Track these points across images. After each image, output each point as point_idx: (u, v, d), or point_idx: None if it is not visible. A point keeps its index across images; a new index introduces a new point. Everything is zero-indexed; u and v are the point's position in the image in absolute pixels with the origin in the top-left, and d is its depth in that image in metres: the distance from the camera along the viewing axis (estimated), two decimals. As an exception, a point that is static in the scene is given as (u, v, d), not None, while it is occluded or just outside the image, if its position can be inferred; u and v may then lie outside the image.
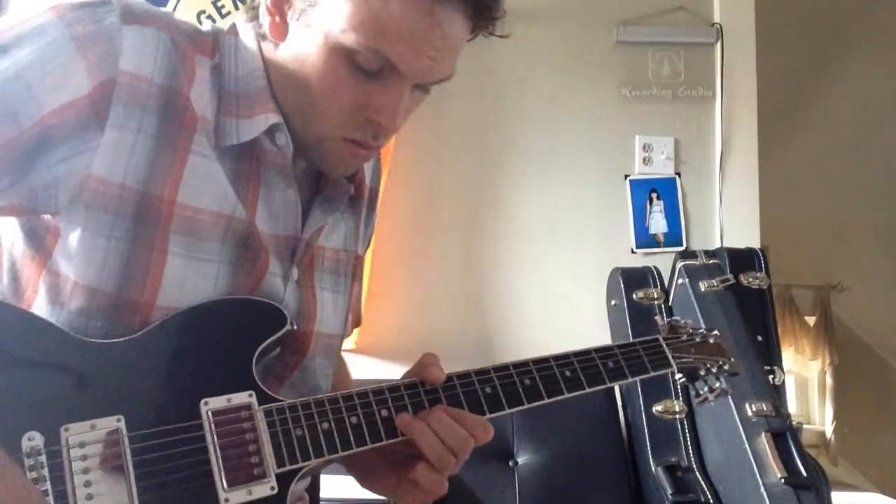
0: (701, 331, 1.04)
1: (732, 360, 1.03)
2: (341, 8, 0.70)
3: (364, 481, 0.89)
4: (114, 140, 0.69)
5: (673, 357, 0.97)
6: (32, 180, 0.68)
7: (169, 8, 2.27)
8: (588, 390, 0.88)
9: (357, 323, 1.05)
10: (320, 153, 0.80)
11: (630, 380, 0.91)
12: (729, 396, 1.11)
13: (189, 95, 0.74)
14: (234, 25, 0.82)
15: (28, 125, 0.66)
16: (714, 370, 1.01)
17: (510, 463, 1.93)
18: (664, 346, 0.97)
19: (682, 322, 1.05)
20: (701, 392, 1.00)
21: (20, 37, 0.68)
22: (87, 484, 0.63)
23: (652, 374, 0.94)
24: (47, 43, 0.68)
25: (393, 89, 0.74)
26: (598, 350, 0.91)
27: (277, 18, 0.75)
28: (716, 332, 1.05)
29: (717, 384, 1.01)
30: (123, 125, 0.70)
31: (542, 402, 0.85)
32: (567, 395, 0.86)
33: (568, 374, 0.87)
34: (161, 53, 0.72)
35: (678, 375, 1.00)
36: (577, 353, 0.89)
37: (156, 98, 0.72)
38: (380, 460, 0.84)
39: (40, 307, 0.71)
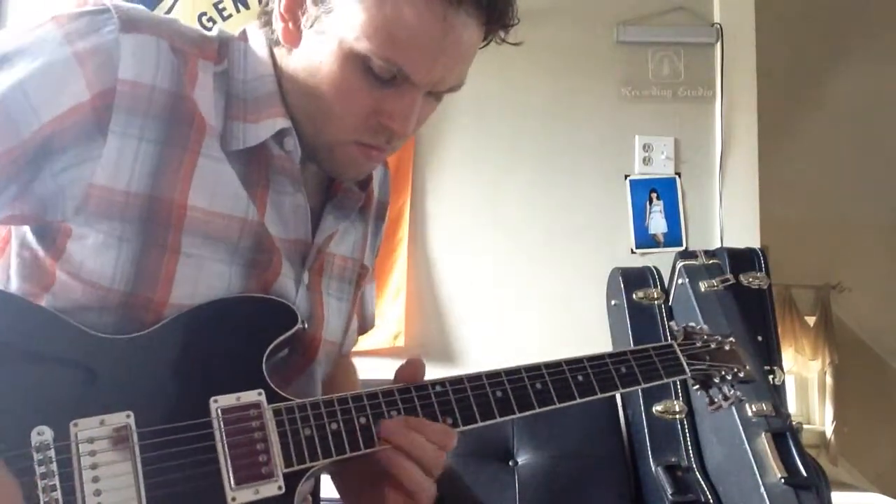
0: (716, 337, 1.02)
1: (747, 367, 1.01)
2: (356, 15, 0.70)
3: (341, 490, 0.87)
4: (116, 148, 0.70)
5: (687, 364, 0.95)
6: (38, 189, 0.69)
7: (164, 8, 2.28)
8: (600, 395, 0.86)
9: (364, 329, 1.05)
10: (333, 157, 0.80)
11: (643, 386, 0.90)
12: (741, 403, 1.09)
13: (194, 100, 0.74)
14: (244, 31, 0.82)
15: (28, 134, 0.67)
16: (729, 377, 0.99)
17: (510, 463, 1.94)
18: (678, 352, 0.96)
19: (698, 328, 1.04)
20: (715, 400, 0.98)
21: (21, 48, 0.69)
22: (96, 479, 0.63)
23: (665, 380, 0.92)
24: (47, 53, 0.69)
25: (406, 97, 0.74)
26: (611, 355, 0.89)
27: (291, 25, 0.75)
28: (731, 338, 1.03)
29: (732, 392, 0.99)
30: (125, 133, 0.70)
31: (553, 407, 0.83)
32: (579, 400, 0.85)
33: (580, 378, 0.86)
34: (162, 60, 0.73)
35: (691, 382, 0.98)
36: (589, 358, 0.88)
37: (159, 104, 0.72)
38: (357, 477, 0.82)
39: (51, 302, 0.71)
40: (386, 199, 1.01)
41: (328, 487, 1.07)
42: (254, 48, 0.80)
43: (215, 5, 2.22)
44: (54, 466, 0.62)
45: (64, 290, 0.71)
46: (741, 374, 1.00)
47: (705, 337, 1.02)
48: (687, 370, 0.95)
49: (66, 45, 0.69)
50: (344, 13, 0.71)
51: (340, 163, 0.80)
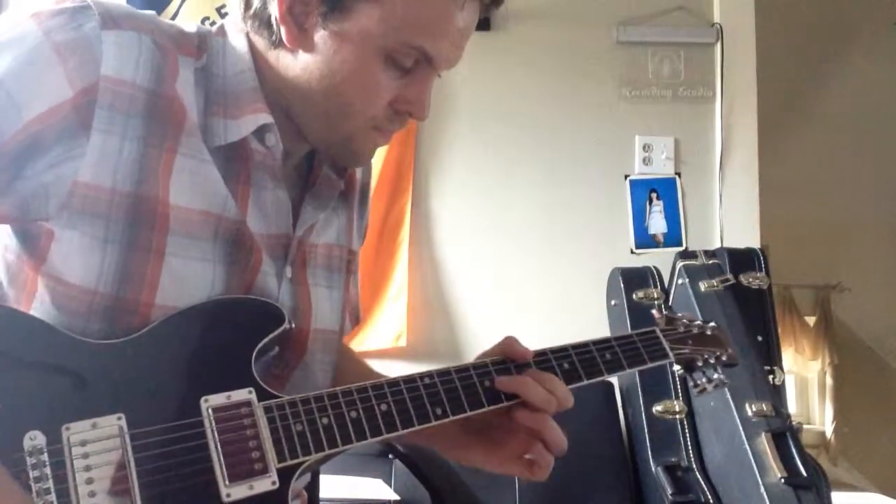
0: (697, 322, 1.05)
1: (730, 350, 1.03)
2: (379, 11, 0.72)
3: (450, 453, 0.91)
4: (100, 145, 0.69)
5: (670, 348, 0.97)
6: (21, 188, 0.68)
7: (171, 11, 2.28)
8: (586, 382, 0.88)
9: (357, 320, 1.05)
10: (351, 148, 0.82)
11: (627, 371, 0.92)
12: (727, 388, 1.12)
13: (175, 97, 0.74)
14: (222, 27, 0.82)
15: (11, 133, 0.66)
16: (712, 361, 1.01)
17: (510, 463, 1.93)
18: (661, 337, 0.98)
19: (679, 314, 1.06)
20: (699, 383, 1.01)
21: (0, 46, 0.68)
22: (90, 481, 0.63)
23: (650, 364, 0.94)
24: (27, 51, 0.68)
25: (424, 81, 0.78)
26: (596, 342, 0.91)
27: (295, 29, 0.75)
28: (713, 323, 1.06)
29: (716, 375, 1.01)
30: (108, 130, 0.70)
31: None
32: (566, 387, 0.86)
33: (566, 366, 0.87)
34: (143, 57, 0.72)
35: (676, 367, 1.00)
36: (574, 346, 0.90)
37: (141, 101, 0.72)
38: (463, 432, 0.86)
39: (38, 309, 0.71)
40: (368, 179, 1.02)
41: (328, 487, 1.07)
42: (232, 43, 0.80)
43: (218, 9, 2.24)
44: (48, 470, 0.62)
45: (49, 295, 0.71)
46: (724, 358, 1.03)
47: (687, 322, 1.04)
48: (670, 354, 0.97)
49: (47, 42, 0.68)
50: (368, 13, 0.73)
51: (357, 151, 0.83)
